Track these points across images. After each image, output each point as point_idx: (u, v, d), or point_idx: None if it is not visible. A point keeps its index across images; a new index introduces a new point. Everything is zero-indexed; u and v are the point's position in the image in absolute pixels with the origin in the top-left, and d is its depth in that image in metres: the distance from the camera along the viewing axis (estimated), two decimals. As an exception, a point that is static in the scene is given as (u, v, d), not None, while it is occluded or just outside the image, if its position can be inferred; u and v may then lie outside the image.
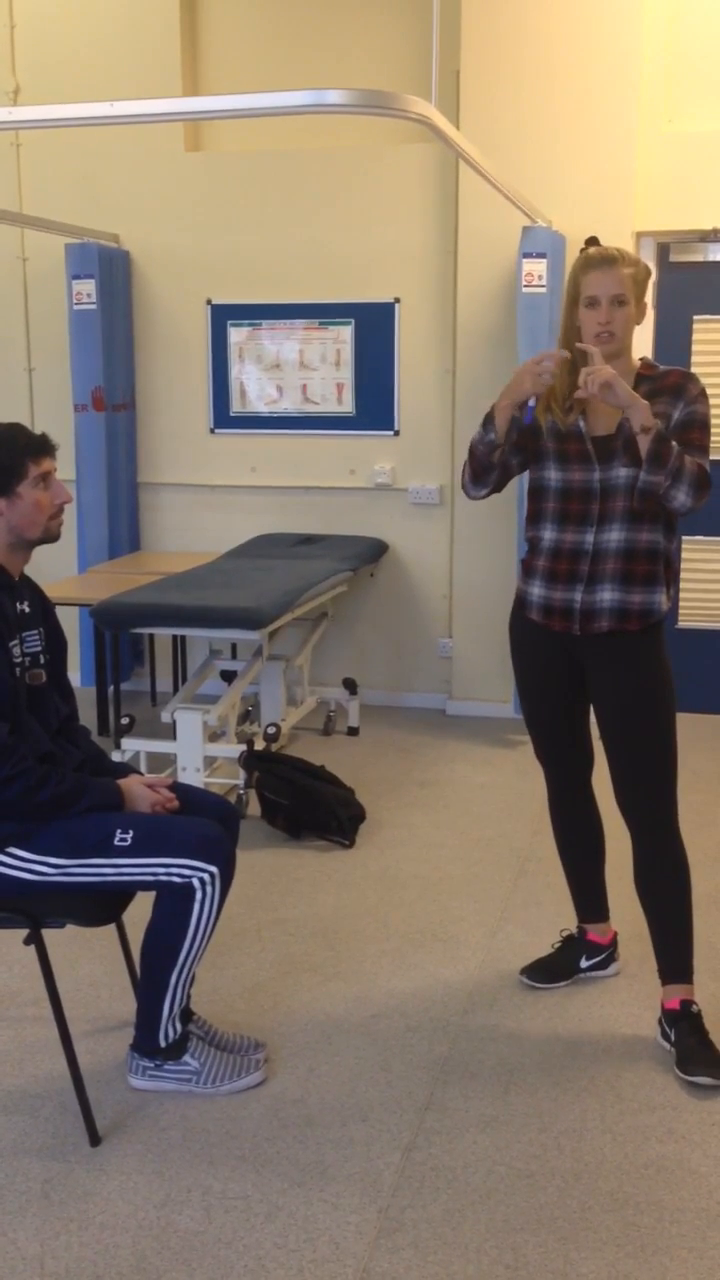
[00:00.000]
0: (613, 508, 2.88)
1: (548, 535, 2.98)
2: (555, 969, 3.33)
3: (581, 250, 2.91)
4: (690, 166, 5.44)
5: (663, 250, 5.64)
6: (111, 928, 2.99)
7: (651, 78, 5.42)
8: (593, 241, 2.94)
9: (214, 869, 2.63)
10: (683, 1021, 2.97)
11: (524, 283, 5.24)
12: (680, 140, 5.45)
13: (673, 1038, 2.97)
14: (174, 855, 2.61)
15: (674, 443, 2.76)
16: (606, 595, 2.91)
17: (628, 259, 2.86)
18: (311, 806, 4.38)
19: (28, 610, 2.75)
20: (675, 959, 3.02)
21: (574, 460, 2.92)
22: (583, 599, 2.93)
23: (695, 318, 5.61)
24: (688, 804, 3.31)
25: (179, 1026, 2.79)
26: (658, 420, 2.75)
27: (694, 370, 2.97)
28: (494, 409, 2.92)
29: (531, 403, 2.86)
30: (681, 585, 5.79)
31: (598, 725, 3.04)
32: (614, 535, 2.89)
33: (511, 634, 3.14)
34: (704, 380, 2.97)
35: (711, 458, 2.90)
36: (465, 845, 4.36)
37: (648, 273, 2.92)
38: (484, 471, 3.00)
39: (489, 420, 2.93)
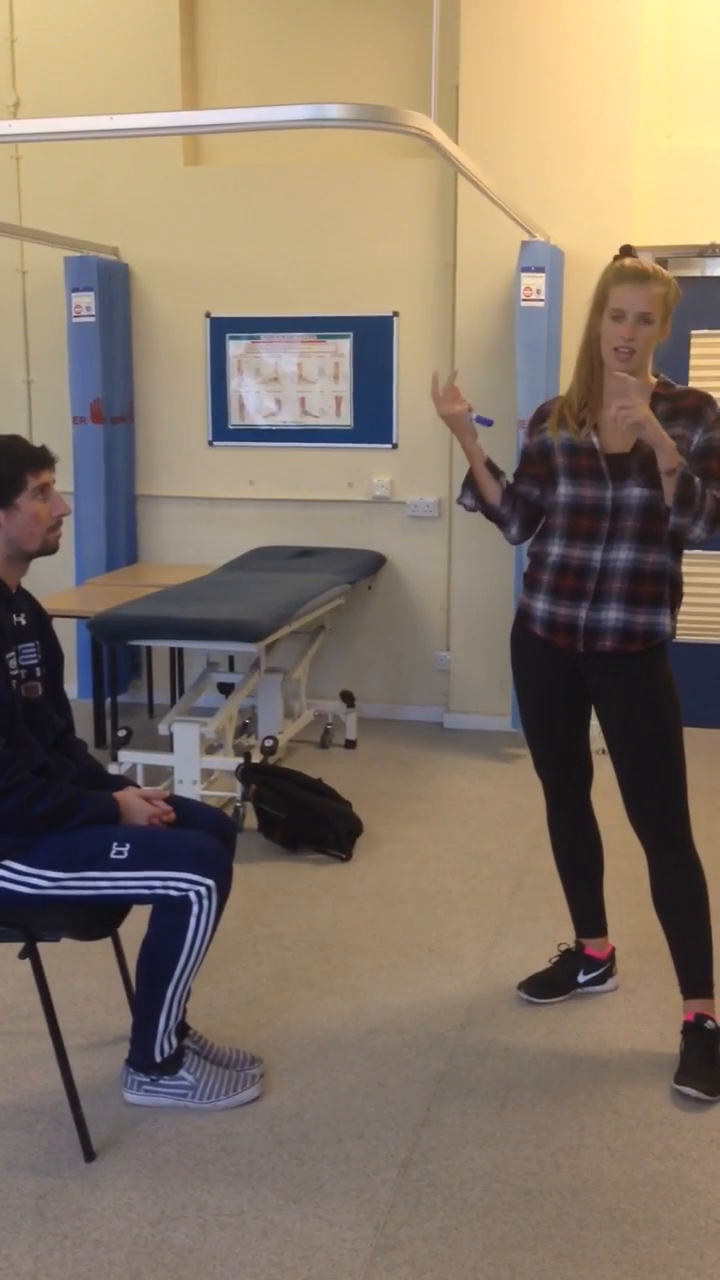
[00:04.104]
0: (623, 526, 2.87)
1: (555, 550, 2.97)
2: (553, 984, 3.32)
3: (615, 259, 2.87)
4: (688, 182, 5.46)
5: (660, 265, 5.64)
6: (107, 941, 2.98)
7: (650, 93, 5.44)
8: (627, 251, 2.89)
9: (210, 882, 2.62)
10: (693, 1035, 2.96)
11: (522, 297, 5.26)
12: (679, 156, 5.47)
13: (681, 1048, 2.97)
14: (170, 869, 2.60)
15: (697, 480, 2.74)
16: (612, 614, 2.90)
17: (661, 277, 2.83)
18: (309, 820, 4.37)
19: (24, 623, 2.74)
20: (693, 974, 3.00)
21: (586, 476, 2.91)
22: (587, 616, 2.92)
23: (693, 332, 5.62)
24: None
25: (174, 1041, 2.77)
26: (682, 459, 2.74)
27: (692, 385, 2.96)
28: (469, 472, 3.07)
29: (473, 414, 2.94)
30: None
31: (605, 742, 3.04)
32: (622, 554, 2.88)
33: (513, 647, 3.13)
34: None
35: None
36: (463, 859, 4.35)
37: (678, 294, 2.89)
38: (494, 520, 3.10)
39: (466, 482, 3.08)
